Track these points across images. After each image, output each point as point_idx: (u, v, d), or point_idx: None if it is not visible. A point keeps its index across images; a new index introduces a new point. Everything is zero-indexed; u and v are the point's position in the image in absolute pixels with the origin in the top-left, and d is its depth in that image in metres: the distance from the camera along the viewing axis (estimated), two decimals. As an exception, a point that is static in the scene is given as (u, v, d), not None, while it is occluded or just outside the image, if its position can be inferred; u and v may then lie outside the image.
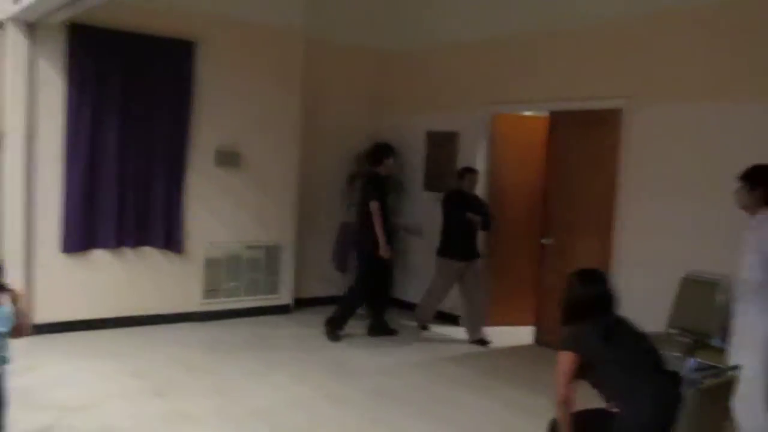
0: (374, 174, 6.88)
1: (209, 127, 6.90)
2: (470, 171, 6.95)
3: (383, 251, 6.65)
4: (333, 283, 8.01)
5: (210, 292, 7.05)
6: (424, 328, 7.32)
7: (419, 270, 7.95)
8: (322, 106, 7.92)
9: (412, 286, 8.04)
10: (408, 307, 7.84)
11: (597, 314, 3.23)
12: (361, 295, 6.91)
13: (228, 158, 7.02)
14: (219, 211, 7.03)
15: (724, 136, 5.36)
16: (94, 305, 6.43)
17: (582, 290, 3.31)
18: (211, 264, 7.02)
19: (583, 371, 3.13)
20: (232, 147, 7.06)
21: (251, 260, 7.28)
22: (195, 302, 6.97)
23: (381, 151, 6.96)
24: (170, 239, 6.75)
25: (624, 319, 3.32)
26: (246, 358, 5.90)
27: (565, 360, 3.14)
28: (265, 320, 7.25)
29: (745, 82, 5.28)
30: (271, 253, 7.40)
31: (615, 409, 3.09)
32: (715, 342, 5.20)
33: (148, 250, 6.67)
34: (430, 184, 7.86)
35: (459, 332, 7.19)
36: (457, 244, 6.87)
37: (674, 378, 3.09)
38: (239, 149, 7.11)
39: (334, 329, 6.75)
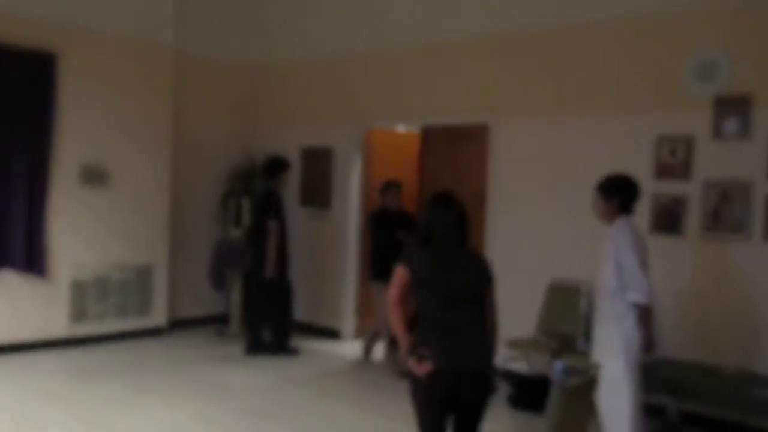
0: (271, 190, 6.75)
1: (73, 144, 6.58)
2: (393, 185, 6.55)
3: (269, 271, 6.55)
4: (209, 302, 7.82)
5: (77, 316, 6.70)
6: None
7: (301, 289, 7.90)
8: (193, 122, 7.73)
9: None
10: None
11: (442, 238, 3.22)
12: (283, 311, 6.78)
13: (94, 176, 6.72)
14: (85, 231, 6.71)
15: (583, 148, 5.68)
16: (-55, 335, 5.97)
17: (429, 213, 3.32)
18: (77, 287, 6.67)
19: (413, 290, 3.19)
20: (98, 164, 6.77)
21: (121, 281, 6.98)
22: (60, 328, 6.60)
23: (276, 165, 6.83)
24: (31, 261, 6.36)
25: (469, 254, 3.31)
26: (115, 385, 5.63)
27: (399, 272, 3.20)
28: (138, 344, 6.96)
29: (599, 97, 5.62)
30: (142, 273, 7.13)
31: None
32: (579, 345, 5.46)
33: (6, 274, 6.26)
34: (306, 200, 7.83)
35: (340, 347, 7.19)
36: (388, 266, 6.49)
37: (482, 327, 3.18)
38: (106, 166, 6.82)
39: (281, 349, 6.67)
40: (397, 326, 3.19)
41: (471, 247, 3.37)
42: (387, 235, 6.32)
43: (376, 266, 6.44)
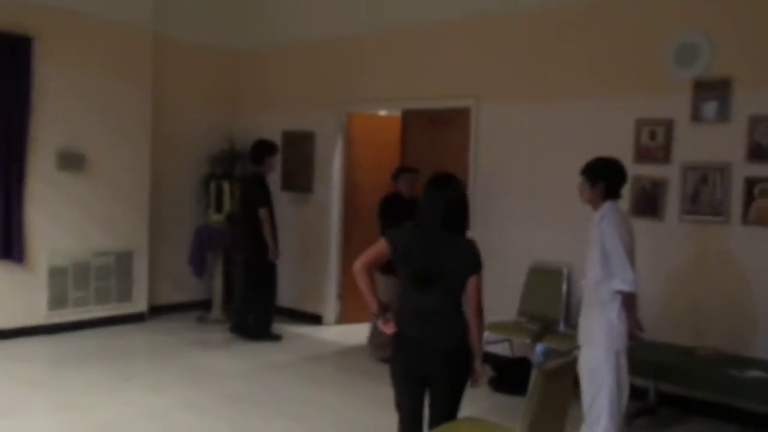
0: (258, 175, 6.70)
1: (50, 129, 6.48)
2: (406, 171, 6.10)
3: (273, 255, 6.59)
4: (190, 288, 7.79)
5: (56, 303, 6.64)
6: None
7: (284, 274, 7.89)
8: (173, 106, 7.66)
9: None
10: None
11: (428, 219, 3.23)
12: (266, 297, 6.80)
13: (72, 161, 6.63)
14: (63, 217, 6.63)
15: (563, 131, 5.69)
16: None
17: (423, 193, 3.31)
18: (56, 273, 6.60)
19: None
20: (76, 149, 6.68)
21: (101, 268, 6.92)
22: (40, 315, 6.53)
23: (263, 149, 6.73)
24: (9, 248, 6.27)
25: (455, 239, 3.23)
26: (96, 371, 5.60)
27: (379, 243, 3.25)
28: (118, 330, 6.91)
29: (579, 81, 5.62)
30: (122, 259, 7.07)
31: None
32: (560, 328, 5.50)
33: (-17, 261, 6.20)
34: (288, 184, 7.80)
35: (323, 332, 7.20)
36: None
37: (453, 312, 3.23)
38: (84, 151, 6.74)
39: (267, 332, 6.75)
40: (364, 288, 3.25)
41: (462, 233, 3.30)
42: (398, 224, 5.56)
43: None
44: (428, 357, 3.18)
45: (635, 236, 3.98)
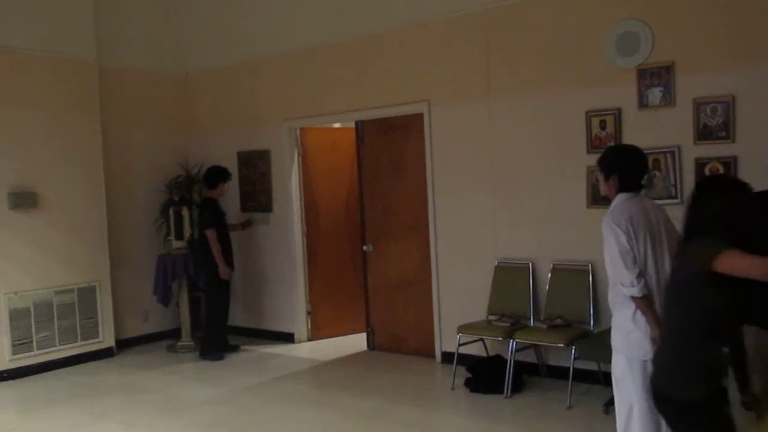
0: (209, 200, 7.00)
1: (-1, 169, 6.37)
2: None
3: (223, 274, 6.82)
4: (158, 318, 7.69)
5: (20, 346, 6.48)
6: None
7: (244, 295, 7.81)
8: (125, 135, 7.56)
9: (239, 311, 7.88)
10: (235, 331, 7.66)
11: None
12: (220, 318, 7.05)
13: (24, 200, 6.49)
14: (20, 257, 6.48)
15: (516, 128, 5.76)
16: None
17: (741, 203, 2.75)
18: (17, 316, 6.45)
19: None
20: (28, 187, 6.55)
21: (63, 305, 6.78)
22: (3, 360, 6.36)
23: (215, 176, 7.02)
24: (-34, 295, 6.14)
25: None
26: (67, 411, 5.47)
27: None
28: (87, 367, 6.77)
29: (528, 77, 5.69)
30: (85, 295, 6.94)
31: None
32: (530, 323, 5.55)
33: (-60, 310, 6.03)
34: (247, 205, 7.74)
35: (295, 350, 7.15)
36: None
37: None
38: (37, 189, 6.61)
39: (212, 351, 6.88)
40: None
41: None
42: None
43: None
44: None
45: (663, 229, 3.47)
